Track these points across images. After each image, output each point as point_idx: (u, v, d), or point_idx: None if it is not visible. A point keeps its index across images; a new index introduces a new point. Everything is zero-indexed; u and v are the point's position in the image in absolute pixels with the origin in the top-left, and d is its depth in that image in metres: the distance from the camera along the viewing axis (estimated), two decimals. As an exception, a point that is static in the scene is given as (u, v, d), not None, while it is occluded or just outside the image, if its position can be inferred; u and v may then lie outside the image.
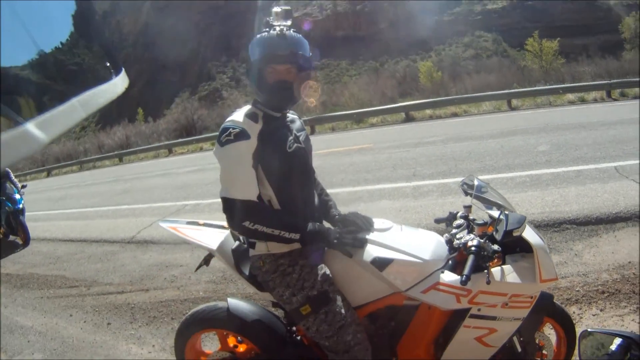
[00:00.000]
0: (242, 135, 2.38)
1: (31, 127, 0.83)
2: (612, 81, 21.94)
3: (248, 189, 2.40)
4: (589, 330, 1.84)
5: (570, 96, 21.39)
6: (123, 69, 1.40)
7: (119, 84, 1.32)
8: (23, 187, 10.19)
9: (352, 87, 45.37)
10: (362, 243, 2.60)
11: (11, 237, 9.86)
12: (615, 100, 20.34)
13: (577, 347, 1.86)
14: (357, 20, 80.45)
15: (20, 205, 9.76)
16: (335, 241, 2.55)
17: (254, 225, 2.38)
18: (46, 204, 15.96)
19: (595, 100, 20.60)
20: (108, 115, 79.63)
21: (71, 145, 51.60)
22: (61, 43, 1.21)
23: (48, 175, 36.34)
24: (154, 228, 8.26)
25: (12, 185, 10.08)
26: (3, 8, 0.87)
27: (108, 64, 1.41)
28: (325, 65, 76.89)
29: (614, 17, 65.36)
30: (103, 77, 1.28)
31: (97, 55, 1.40)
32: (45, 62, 1.07)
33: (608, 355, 1.70)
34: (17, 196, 9.94)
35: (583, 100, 20.75)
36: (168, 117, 52.86)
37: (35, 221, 12.61)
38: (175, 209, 10.14)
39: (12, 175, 10.38)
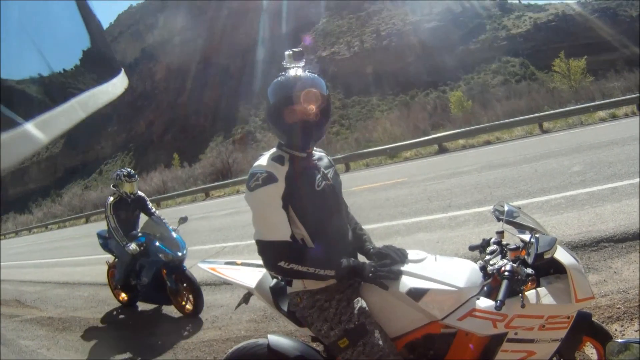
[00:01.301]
0: (269, 179, 2.44)
1: (30, 127, 0.85)
2: (642, 94, 21.65)
3: (280, 230, 2.46)
4: (616, 341, 1.84)
5: (602, 113, 21.25)
6: (122, 70, 1.42)
7: (118, 84, 1.34)
8: (182, 220, 7.60)
9: (384, 122, 45.29)
10: (397, 275, 2.62)
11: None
12: (647, 112, 20.03)
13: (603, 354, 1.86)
14: (384, 55, 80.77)
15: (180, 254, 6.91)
16: (370, 275, 2.57)
17: (289, 265, 2.43)
18: (86, 250, 16.19)
19: (626, 115, 20.44)
20: (144, 162, 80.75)
21: (109, 191, 52.43)
22: (64, 70, 1.20)
23: (87, 221, 36.86)
24: (194, 270, 8.30)
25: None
26: (11, 21, 0.90)
27: (107, 65, 1.43)
28: (356, 102, 77.28)
29: (637, 29, 64.74)
30: (102, 78, 1.30)
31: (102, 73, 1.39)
32: (47, 81, 1.08)
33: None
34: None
35: (614, 117, 20.58)
36: (203, 161, 53.40)
37: (76, 266, 12.86)
38: (215, 251, 10.22)
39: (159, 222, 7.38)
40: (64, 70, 1.20)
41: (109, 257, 8.14)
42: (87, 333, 7.21)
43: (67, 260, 15.03)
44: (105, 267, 8.38)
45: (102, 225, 7.83)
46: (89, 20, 1.29)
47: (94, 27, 1.31)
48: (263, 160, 2.56)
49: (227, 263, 3.43)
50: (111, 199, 7.25)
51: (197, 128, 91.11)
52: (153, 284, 6.86)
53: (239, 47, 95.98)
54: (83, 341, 6.86)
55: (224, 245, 10.65)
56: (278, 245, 2.44)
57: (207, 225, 15.26)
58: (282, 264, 2.44)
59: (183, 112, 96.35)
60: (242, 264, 3.40)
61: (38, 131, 0.86)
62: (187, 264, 7.63)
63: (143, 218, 7.70)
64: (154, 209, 7.67)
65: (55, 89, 1.11)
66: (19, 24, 0.95)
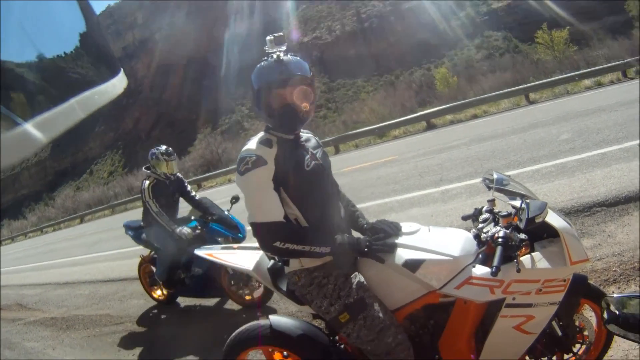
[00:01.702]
0: (259, 162, 2.48)
1: (30, 127, 0.86)
2: (625, 60, 21.91)
3: (273, 211, 2.49)
4: (611, 296, 1.87)
5: (587, 82, 21.28)
6: (122, 70, 1.42)
7: (117, 84, 1.34)
8: (235, 199, 6.75)
9: (371, 103, 45.26)
10: (392, 248, 2.66)
11: None
12: (631, 79, 20.24)
13: (597, 314, 1.89)
14: (366, 37, 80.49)
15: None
16: (365, 249, 2.61)
17: (284, 245, 2.47)
18: (83, 249, 16.29)
19: (612, 82, 20.49)
20: (134, 159, 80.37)
21: (101, 190, 52.38)
22: (64, 53, 1.21)
23: (81, 221, 36.87)
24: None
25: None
26: (4, 7, 0.89)
27: (106, 64, 1.43)
28: (342, 85, 76.95)
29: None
30: (101, 78, 1.30)
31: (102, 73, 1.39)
32: (45, 66, 1.08)
33: (629, 314, 1.75)
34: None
35: (600, 84, 20.61)
36: (193, 153, 53.31)
37: (74, 266, 12.88)
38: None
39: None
40: (64, 53, 1.21)
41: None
42: (92, 329, 7.19)
43: (65, 260, 15.01)
44: (132, 262, 8.15)
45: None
46: (90, 19, 1.29)
47: (94, 26, 1.31)
48: (251, 144, 2.60)
49: (223, 248, 3.45)
50: (147, 182, 6.42)
51: (184, 122, 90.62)
52: (207, 275, 6.12)
53: (220, 39, 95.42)
54: (88, 338, 6.86)
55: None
56: (272, 226, 2.48)
57: (201, 216, 15.25)
58: (277, 244, 2.48)
59: (169, 107, 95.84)
60: (239, 248, 3.43)
61: (38, 131, 0.87)
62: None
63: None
64: (193, 192, 7.03)
65: (54, 74, 1.11)
66: (18, 14, 0.95)
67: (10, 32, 0.92)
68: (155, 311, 7.22)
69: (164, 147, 6.60)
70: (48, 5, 1.16)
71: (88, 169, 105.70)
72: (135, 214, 7.28)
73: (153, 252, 7.11)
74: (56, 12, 1.21)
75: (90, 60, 1.33)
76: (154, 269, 6.92)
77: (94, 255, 13.91)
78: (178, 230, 6.00)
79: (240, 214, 5.85)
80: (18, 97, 0.94)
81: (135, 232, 7.26)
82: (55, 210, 56.67)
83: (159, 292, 7.29)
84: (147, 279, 7.44)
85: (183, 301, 7.21)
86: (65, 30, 1.26)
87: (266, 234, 2.50)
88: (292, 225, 2.62)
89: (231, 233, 6.27)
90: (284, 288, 2.94)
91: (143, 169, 6.74)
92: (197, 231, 6.16)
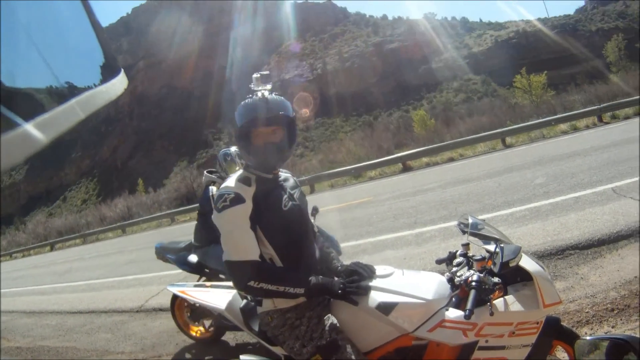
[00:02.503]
0: (237, 200, 2.49)
1: (30, 128, 0.84)
2: (601, 105, 22.30)
3: (249, 250, 2.49)
4: (582, 338, 1.88)
5: (563, 126, 21.57)
6: (122, 70, 1.42)
7: (117, 85, 1.34)
8: (315, 211, 5.36)
9: (348, 143, 45.32)
10: (366, 290, 2.66)
11: None
12: (607, 123, 20.69)
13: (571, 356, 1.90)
14: (347, 77, 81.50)
15: None
16: (339, 292, 2.61)
17: (259, 284, 2.46)
18: (52, 278, 16.03)
19: (587, 127, 20.82)
20: (109, 188, 79.93)
21: (73, 218, 51.81)
22: (94, 84, 1.21)
23: (51, 249, 36.38)
24: (162, 295, 8.25)
25: None
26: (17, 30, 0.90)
27: (106, 65, 1.40)
28: (320, 124, 77.76)
29: (596, 43, 66.44)
30: (102, 78, 1.30)
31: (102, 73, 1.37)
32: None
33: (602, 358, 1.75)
34: None
35: (575, 129, 20.91)
36: (168, 186, 53.12)
37: (42, 294, 12.65)
38: (183, 276, 10.08)
39: None
40: (94, 85, 1.22)
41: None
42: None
43: (33, 288, 14.75)
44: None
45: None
46: (92, 19, 1.29)
47: (97, 26, 1.31)
48: (230, 182, 2.62)
49: (196, 285, 3.42)
50: (214, 188, 5.52)
51: (162, 153, 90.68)
52: None
53: (203, 71, 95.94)
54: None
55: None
56: (247, 265, 2.47)
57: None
58: (251, 283, 2.46)
59: (147, 137, 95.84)
60: (212, 286, 3.39)
61: (38, 132, 0.86)
62: (154, 289, 7.46)
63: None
64: None
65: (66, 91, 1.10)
66: (26, 32, 0.95)
67: (23, 57, 0.92)
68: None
69: (234, 148, 5.65)
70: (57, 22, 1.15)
71: (62, 195, 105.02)
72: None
73: (203, 279, 5.82)
74: (68, 34, 1.21)
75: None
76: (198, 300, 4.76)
77: (62, 285, 13.69)
78: None
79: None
80: (18, 97, 0.91)
81: (178, 254, 6.27)
82: (26, 235, 55.80)
83: (200, 328, 6.04)
84: (183, 314, 6.06)
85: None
86: (84, 58, 1.29)
87: (241, 273, 2.48)
88: (267, 264, 2.61)
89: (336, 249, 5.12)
90: (256, 328, 2.91)
91: (206, 173, 5.88)
92: None
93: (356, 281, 2.68)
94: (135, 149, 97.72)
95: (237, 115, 2.62)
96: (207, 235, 5.48)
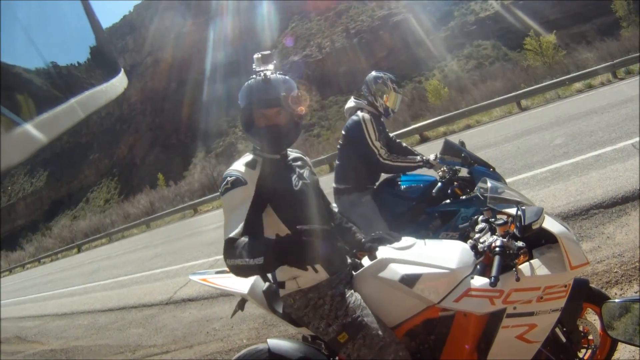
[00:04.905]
0: (237, 182, 2.44)
1: (30, 127, 0.84)
2: (615, 61, 21.92)
3: (233, 229, 2.37)
4: (610, 301, 1.84)
5: (578, 85, 21.26)
6: (122, 70, 1.40)
7: (117, 84, 1.33)
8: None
9: (364, 119, 45.22)
10: (390, 241, 2.73)
11: None
12: (621, 79, 20.34)
13: (600, 319, 1.86)
14: (355, 53, 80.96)
15: None
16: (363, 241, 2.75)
17: (233, 262, 2.30)
18: (81, 279, 16.23)
19: (602, 84, 20.50)
20: (130, 185, 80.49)
21: (97, 219, 52.22)
22: (78, 62, 1.20)
23: (79, 251, 36.74)
24: (190, 286, 8.30)
25: None
26: (12, 14, 0.89)
27: (106, 65, 1.40)
28: (334, 102, 77.34)
29: (603, -2, 65.46)
30: (102, 78, 1.29)
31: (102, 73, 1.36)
32: (56, 73, 1.07)
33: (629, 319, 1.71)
34: None
35: (590, 87, 20.62)
36: (188, 178, 53.25)
37: (72, 296, 12.81)
38: (208, 264, 10.17)
39: None
40: (77, 63, 1.21)
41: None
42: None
43: (63, 291, 14.95)
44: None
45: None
46: (92, 19, 1.28)
47: (96, 26, 1.30)
48: (236, 165, 2.58)
49: (217, 272, 3.40)
50: (365, 115, 4.72)
51: (179, 146, 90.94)
52: None
53: (211, 61, 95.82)
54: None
55: (216, 258, 10.52)
56: (226, 243, 2.35)
57: (199, 240, 15.18)
58: (227, 261, 2.35)
59: (162, 132, 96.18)
60: None
61: (38, 131, 0.85)
62: (182, 280, 7.46)
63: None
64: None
65: (65, 82, 1.09)
66: (23, 19, 0.94)
67: (16, 37, 0.92)
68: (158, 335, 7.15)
69: (389, 74, 5.05)
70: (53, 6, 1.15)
71: (84, 197, 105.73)
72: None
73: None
74: (61, 14, 1.20)
75: (99, 73, 1.31)
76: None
77: (92, 285, 13.85)
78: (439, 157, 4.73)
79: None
80: (18, 97, 0.91)
81: None
82: (53, 240, 56.40)
83: None
84: None
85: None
86: (74, 39, 1.26)
87: (225, 252, 2.36)
88: (239, 240, 2.36)
89: (495, 174, 4.71)
90: (280, 311, 2.88)
91: (353, 98, 5.17)
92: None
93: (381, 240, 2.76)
94: (152, 144, 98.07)
95: (240, 97, 2.58)
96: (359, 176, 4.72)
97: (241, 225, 2.39)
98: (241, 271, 2.35)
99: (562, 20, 65.19)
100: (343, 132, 4.90)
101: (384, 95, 4.85)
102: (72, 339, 8.62)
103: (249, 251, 2.25)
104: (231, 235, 2.34)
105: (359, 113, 4.73)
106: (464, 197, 4.43)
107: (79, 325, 9.48)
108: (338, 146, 5.03)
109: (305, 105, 2.64)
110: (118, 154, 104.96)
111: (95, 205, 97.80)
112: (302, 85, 2.67)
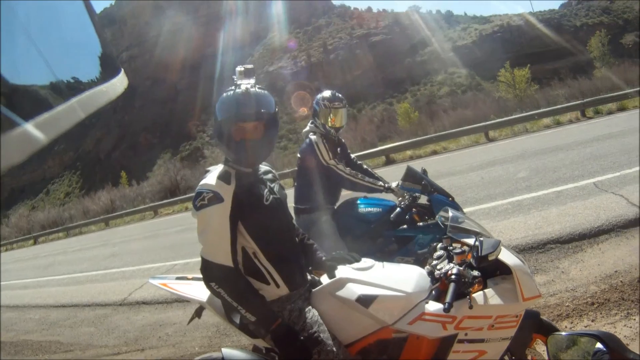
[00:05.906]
0: (215, 199, 2.44)
1: (30, 127, 0.86)
2: (585, 100, 22.31)
3: (219, 254, 2.46)
4: (556, 333, 1.90)
5: (546, 120, 21.56)
6: (122, 70, 1.42)
7: (117, 84, 1.34)
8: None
9: (332, 136, 45.27)
10: (350, 261, 2.77)
11: None
12: (590, 118, 20.68)
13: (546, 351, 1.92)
14: (331, 69, 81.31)
15: None
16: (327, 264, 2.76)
17: (218, 289, 2.45)
18: (35, 272, 15.93)
19: (570, 122, 20.81)
20: (92, 180, 79.36)
21: (56, 212, 51.28)
22: (96, 77, 1.24)
23: (35, 243, 36.03)
24: (145, 289, 8.24)
25: None
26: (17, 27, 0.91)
27: (106, 65, 1.42)
28: (304, 116, 77.61)
29: (580, 38, 66.81)
30: (102, 78, 1.30)
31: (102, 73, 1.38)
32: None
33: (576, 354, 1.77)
34: None
35: (559, 123, 20.93)
36: (151, 179, 52.66)
37: (25, 288, 12.57)
38: (165, 269, 10.08)
39: None
40: (96, 78, 1.25)
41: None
42: (40, 356, 6.97)
43: (16, 282, 14.63)
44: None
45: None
46: (94, 19, 1.29)
47: (98, 26, 1.31)
48: (210, 179, 2.55)
49: (178, 278, 3.40)
50: (315, 137, 4.80)
51: (145, 145, 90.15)
52: None
53: (186, 63, 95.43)
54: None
55: (174, 263, 10.46)
56: (217, 268, 2.45)
57: (157, 243, 15.10)
58: (213, 284, 2.46)
59: (131, 129, 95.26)
60: (193, 279, 3.38)
61: (38, 131, 0.87)
62: (137, 282, 7.40)
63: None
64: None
65: (65, 82, 1.12)
66: (25, 29, 0.95)
67: (27, 55, 0.94)
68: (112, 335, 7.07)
69: (329, 93, 5.07)
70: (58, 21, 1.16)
71: (45, 188, 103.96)
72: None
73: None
74: (68, 31, 1.22)
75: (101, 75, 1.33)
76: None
77: (46, 279, 13.61)
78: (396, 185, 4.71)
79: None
80: (18, 97, 0.93)
81: None
82: (9, 229, 55.22)
83: None
84: None
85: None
86: (83, 53, 1.30)
87: (207, 272, 2.48)
88: (238, 276, 2.53)
89: (454, 203, 4.55)
90: (237, 321, 2.89)
91: (310, 121, 5.11)
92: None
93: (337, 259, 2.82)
94: (119, 141, 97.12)
95: (218, 109, 2.56)
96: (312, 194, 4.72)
97: (228, 251, 2.47)
98: (223, 301, 2.53)
99: (539, 55, 66.42)
100: (298, 155, 4.98)
101: (329, 117, 4.94)
102: (22, 332, 8.47)
103: (250, 305, 2.47)
104: (221, 262, 2.45)
105: (311, 136, 4.81)
106: (421, 223, 4.54)
107: (30, 319, 9.31)
108: (296, 167, 5.10)
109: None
110: (84, 148, 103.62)
111: (56, 197, 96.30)
112: (275, 97, 2.70)
